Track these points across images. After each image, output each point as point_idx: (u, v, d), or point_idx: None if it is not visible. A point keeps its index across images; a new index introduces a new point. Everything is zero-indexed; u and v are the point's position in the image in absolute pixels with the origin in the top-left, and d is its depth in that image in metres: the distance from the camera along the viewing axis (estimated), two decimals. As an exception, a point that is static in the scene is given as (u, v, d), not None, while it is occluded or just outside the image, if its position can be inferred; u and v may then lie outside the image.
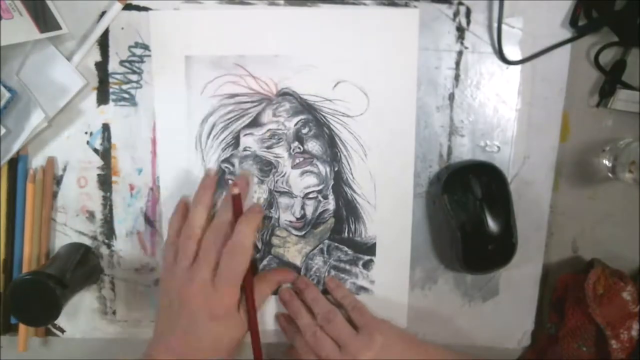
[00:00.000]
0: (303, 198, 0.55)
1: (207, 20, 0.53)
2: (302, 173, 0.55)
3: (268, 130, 0.54)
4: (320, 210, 0.56)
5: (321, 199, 0.56)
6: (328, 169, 0.55)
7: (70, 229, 0.56)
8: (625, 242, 0.58)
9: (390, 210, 0.56)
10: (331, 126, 0.54)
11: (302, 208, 0.56)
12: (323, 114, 0.54)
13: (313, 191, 0.55)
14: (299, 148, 0.55)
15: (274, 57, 0.53)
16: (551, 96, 0.55)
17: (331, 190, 0.56)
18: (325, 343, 0.52)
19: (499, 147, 0.56)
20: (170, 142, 0.55)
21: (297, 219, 0.56)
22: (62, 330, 0.58)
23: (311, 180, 0.55)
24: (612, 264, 0.56)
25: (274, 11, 0.53)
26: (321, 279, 0.57)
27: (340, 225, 0.56)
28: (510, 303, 0.58)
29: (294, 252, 0.57)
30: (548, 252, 0.58)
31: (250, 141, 0.55)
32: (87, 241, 0.57)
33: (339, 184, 0.56)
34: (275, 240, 0.56)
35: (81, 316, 0.57)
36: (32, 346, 0.57)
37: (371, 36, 0.53)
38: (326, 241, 0.56)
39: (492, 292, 0.58)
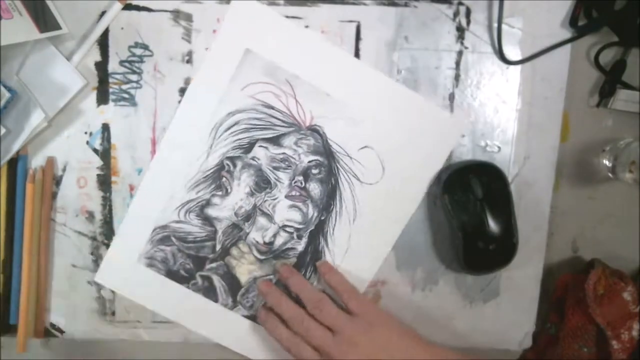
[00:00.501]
0: (280, 228, 0.56)
1: (284, 27, 0.53)
2: (291, 206, 0.55)
3: (283, 153, 0.55)
4: (288, 246, 0.56)
5: (295, 237, 0.56)
6: (315, 214, 0.56)
7: (70, 229, 0.56)
8: (625, 242, 0.58)
9: (348, 278, 0.56)
10: (339, 180, 0.55)
11: (274, 236, 0.56)
12: (338, 165, 0.55)
13: (292, 226, 0.56)
14: (301, 183, 0.55)
15: (325, 94, 0.54)
16: (551, 96, 0.55)
17: (308, 234, 0.56)
18: (316, 331, 0.50)
19: (499, 147, 0.56)
20: (186, 120, 0.54)
21: (265, 243, 0.56)
22: (62, 331, 0.57)
23: (296, 216, 0.56)
24: (612, 264, 0.56)
25: (349, 59, 0.54)
26: (255, 306, 0.57)
27: (298, 268, 0.56)
28: (511, 304, 0.58)
29: (244, 269, 0.56)
30: (548, 252, 0.58)
31: (261, 154, 0.55)
32: (86, 242, 0.56)
33: (318, 232, 0.56)
34: (234, 251, 0.56)
35: (80, 317, 0.57)
36: (31, 347, 0.57)
37: (416, 127, 0.55)
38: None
39: (492, 293, 0.58)
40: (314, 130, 0.55)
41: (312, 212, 0.56)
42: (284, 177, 0.55)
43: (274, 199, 0.55)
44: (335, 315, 0.51)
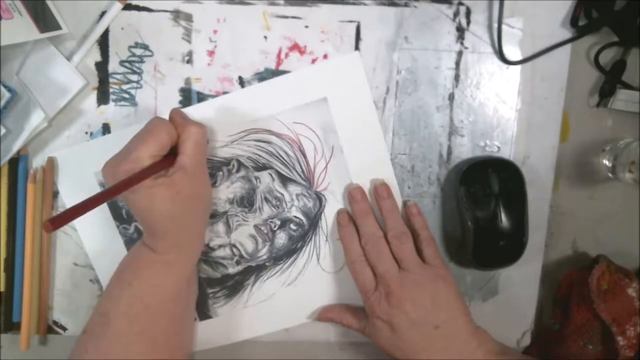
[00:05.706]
0: (230, 244, 0.56)
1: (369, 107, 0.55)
2: (252, 236, 0.56)
3: (282, 194, 0.56)
4: (224, 262, 0.57)
5: (234, 260, 0.56)
6: (264, 257, 0.56)
7: (71, 228, 0.56)
8: (626, 242, 0.58)
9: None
10: (304, 248, 0.57)
11: (220, 247, 0.56)
12: (313, 236, 0.56)
13: (239, 251, 0.56)
14: (275, 226, 0.56)
15: (349, 178, 0.55)
16: (551, 96, 0.55)
17: (245, 266, 0.57)
18: (387, 258, 0.51)
19: (498, 147, 0.56)
20: (238, 102, 0.54)
21: (208, 246, 0.56)
22: (64, 329, 0.58)
23: (249, 245, 0.56)
24: (612, 264, 0.56)
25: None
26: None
27: (219, 285, 0.57)
28: (510, 303, 0.58)
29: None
30: (548, 252, 0.58)
31: (266, 180, 0.55)
32: (87, 240, 0.57)
33: (254, 270, 0.57)
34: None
35: (82, 314, 0.57)
36: (32, 344, 0.57)
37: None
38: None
39: (491, 292, 0.58)
40: (318, 196, 0.55)
41: (263, 253, 0.56)
42: (267, 211, 0.56)
43: (244, 220, 0.56)
44: (411, 254, 0.51)
